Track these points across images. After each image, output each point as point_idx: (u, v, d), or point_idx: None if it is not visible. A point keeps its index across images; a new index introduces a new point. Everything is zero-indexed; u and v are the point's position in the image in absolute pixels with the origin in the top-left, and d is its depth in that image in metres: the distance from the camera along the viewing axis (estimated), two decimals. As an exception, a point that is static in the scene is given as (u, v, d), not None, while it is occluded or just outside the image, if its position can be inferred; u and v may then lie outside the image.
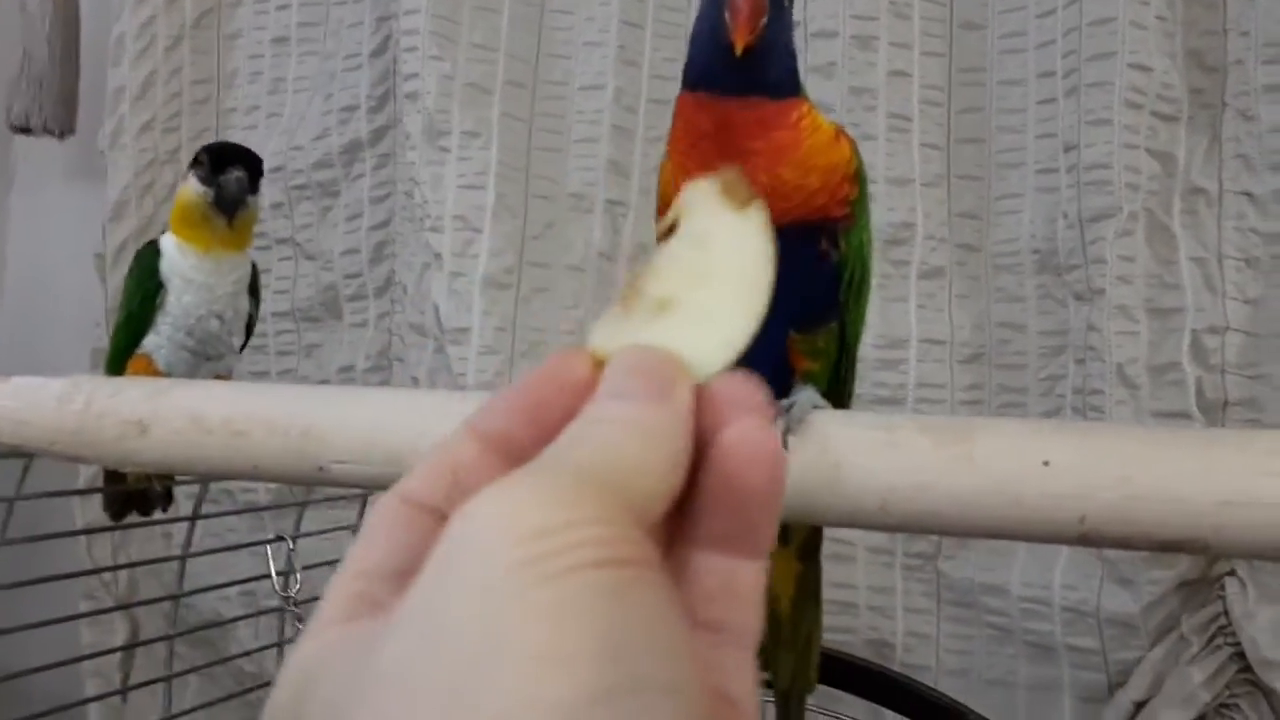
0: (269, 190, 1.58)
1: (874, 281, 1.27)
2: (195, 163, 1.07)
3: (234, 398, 0.66)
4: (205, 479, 1.06)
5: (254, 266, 1.14)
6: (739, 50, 0.65)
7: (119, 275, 1.56)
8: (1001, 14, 1.30)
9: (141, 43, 1.59)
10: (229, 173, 1.04)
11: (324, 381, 1.56)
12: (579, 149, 1.41)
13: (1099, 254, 1.17)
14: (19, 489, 0.79)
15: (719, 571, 0.30)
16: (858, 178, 0.75)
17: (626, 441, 0.29)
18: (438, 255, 1.36)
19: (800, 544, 0.83)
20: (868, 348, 1.27)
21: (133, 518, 1.12)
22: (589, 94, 1.41)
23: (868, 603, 1.30)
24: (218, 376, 1.08)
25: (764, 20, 0.66)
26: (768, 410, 0.32)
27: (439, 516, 0.29)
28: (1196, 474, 0.47)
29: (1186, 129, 1.20)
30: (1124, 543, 0.49)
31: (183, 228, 1.07)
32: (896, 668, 1.23)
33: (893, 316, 1.28)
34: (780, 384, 0.73)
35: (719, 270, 0.35)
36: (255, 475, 0.63)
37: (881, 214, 1.28)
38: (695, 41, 0.72)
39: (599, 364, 0.32)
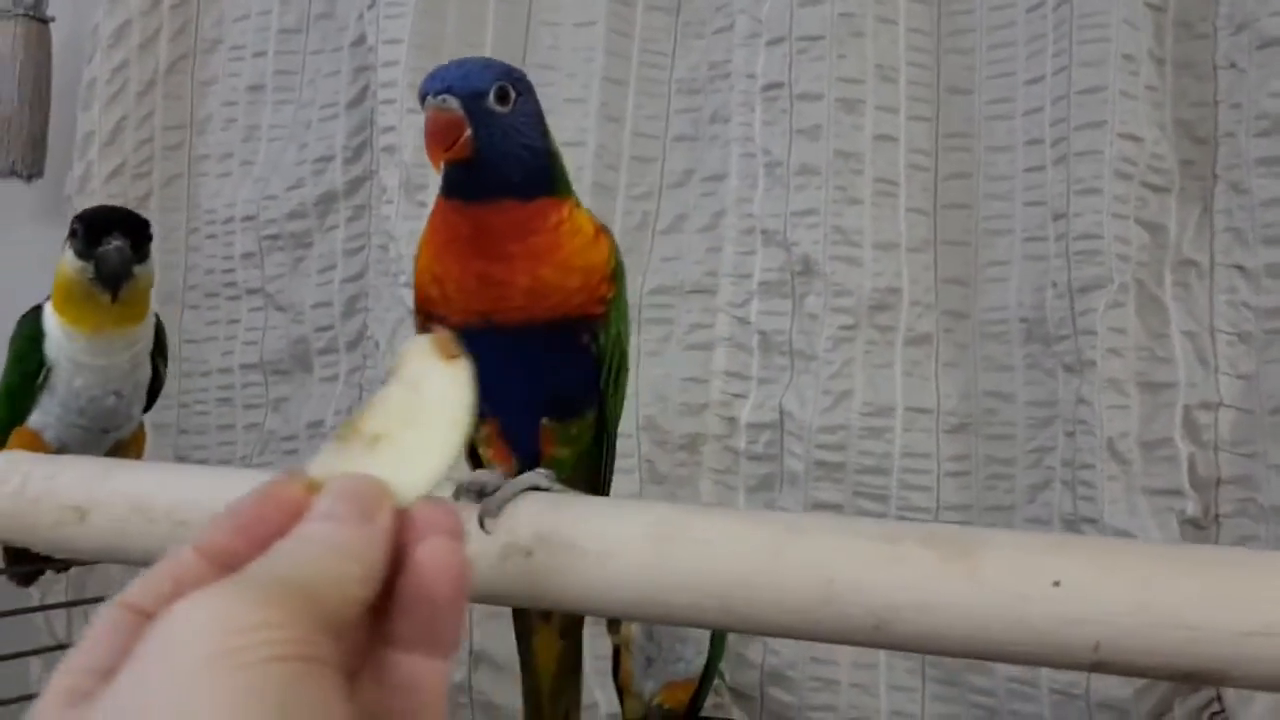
0: (241, 239, 1.54)
1: (861, 349, 1.25)
2: (71, 233, 0.94)
3: (179, 484, 0.61)
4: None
5: (158, 324, 1.03)
6: (436, 169, 0.70)
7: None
8: (989, 80, 1.29)
9: (113, 87, 1.55)
10: (107, 243, 0.91)
11: (291, 437, 1.51)
12: (559, 205, 1.38)
13: (1089, 325, 1.15)
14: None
15: (409, 669, 0.35)
16: (615, 276, 0.77)
17: (325, 558, 0.33)
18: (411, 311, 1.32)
19: (562, 622, 0.85)
20: (854, 415, 1.24)
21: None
22: (570, 150, 1.37)
23: (850, 679, 1.25)
24: (118, 444, 1.01)
25: (465, 135, 0.69)
26: (459, 530, 0.37)
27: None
28: (1218, 601, 0.43)
29: (1177, 200, 1.18)
30: (1140, 672, 0.45)
31: (66, 307, 0.95)
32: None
33: (879, 383, 1.25)
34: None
35: (426, 413, 0.41)
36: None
37: (867, 279, 1.25)
38: None
39: (314, 488, 0.37)
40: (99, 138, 1.54)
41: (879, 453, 1.24)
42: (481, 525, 0.66)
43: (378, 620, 0.35)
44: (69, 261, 0.93)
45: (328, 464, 0.39)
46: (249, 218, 1.52)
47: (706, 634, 1.03)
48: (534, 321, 0.72)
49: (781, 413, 1.28)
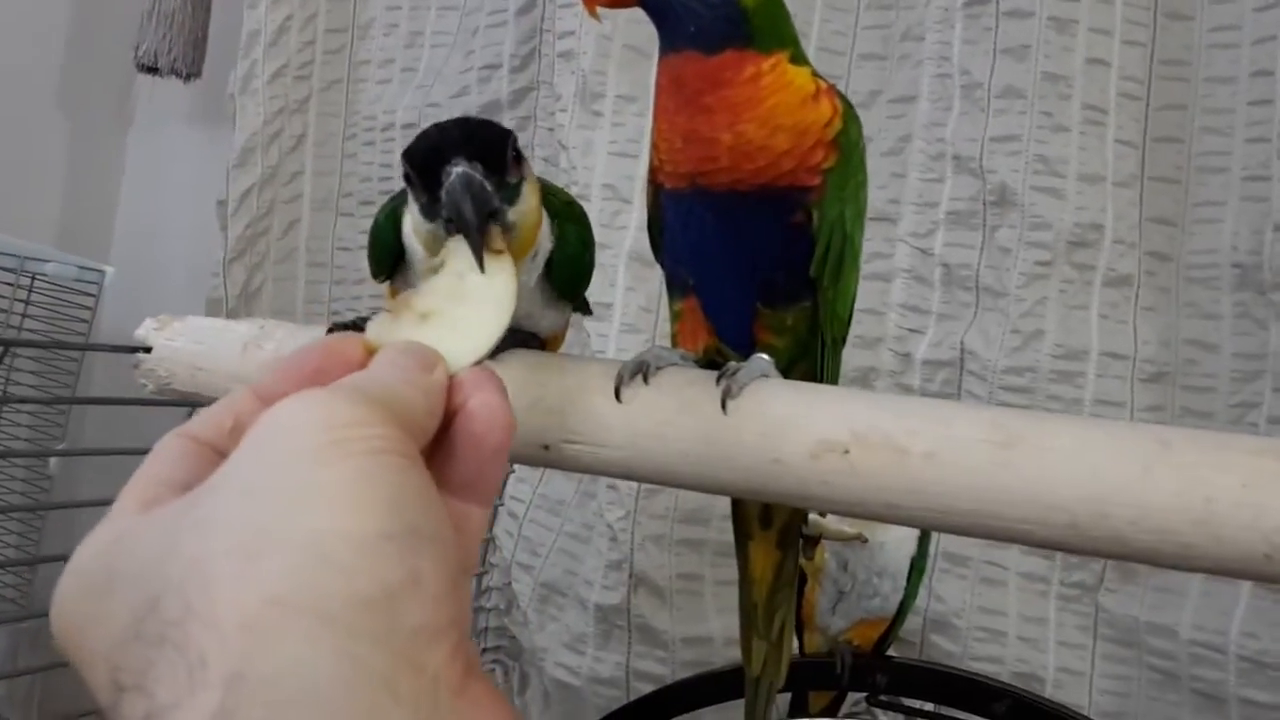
0: (400, 147, 1.51)
1: (1055, 288, 1.17)
2: (405, 178, 0.62)
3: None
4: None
5: (575, 213, 0.73)
6: (591, 14, 0.68)
7: (241, 223, 1.51)
8: (1213, 5, 1.19)
9: (279, -15, 1.53)
10: (446, 172, 0.57)
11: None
12: (736, 122, 1.32)
13: (1317, 272, 1.06)
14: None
15: (456, 513, 0.37)
16: (838, 143, 0.68)
17: (399, 386, 0.36)
18: (582, 225, 1.28)
19: (780, 531, 0.80)
20: (1043, 357, 1.18)
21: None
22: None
23: (1017, 632, 1.20)
24: (532, 337, 0.74)
25: None
26: (504, 390, 0.40)
27: (219, 452, 0.35)
28: None
29: None
30: None
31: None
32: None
33: (1072, 325, 1.18)
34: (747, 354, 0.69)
35: (472, 295, 0.45)
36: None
37: (1068, 212, 1.18)
38: None
39: (371, 351, 0.40)
40: (264, 37, 1.52)
41: (1068, 398, 1.18)
42: (723, 407, 0.61)
43: (430, 469, 0.37)
44: (416, 224, 0.62)
45: (382, 332, 0.42)
46: (409, 125, 1.49)
47: (905, 569, 0.99)
48: (740, 185, 0.66)
49: (963, 351, 1.22)
